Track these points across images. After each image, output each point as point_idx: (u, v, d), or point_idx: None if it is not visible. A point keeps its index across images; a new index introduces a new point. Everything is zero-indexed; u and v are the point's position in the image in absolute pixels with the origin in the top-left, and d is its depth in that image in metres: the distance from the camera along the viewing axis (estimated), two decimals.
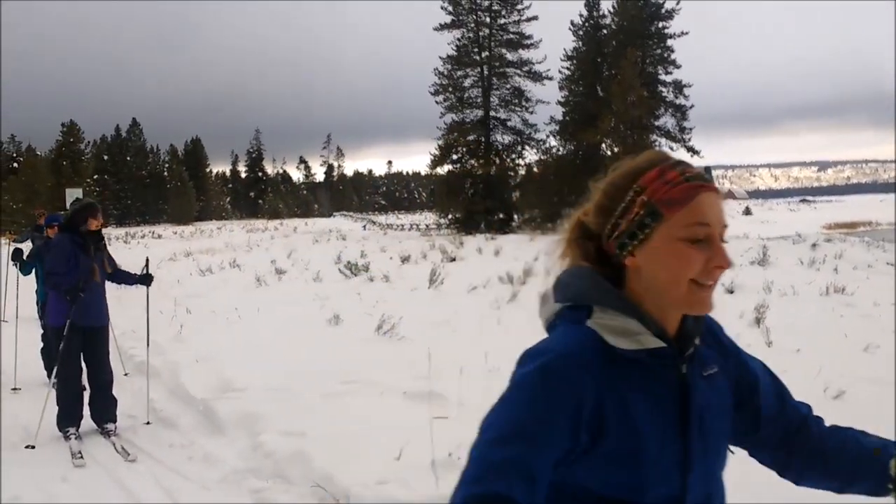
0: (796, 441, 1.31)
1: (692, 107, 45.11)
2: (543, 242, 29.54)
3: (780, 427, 1.31)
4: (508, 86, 47.80)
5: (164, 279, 14.30)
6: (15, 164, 75.86)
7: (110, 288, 5.89)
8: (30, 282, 8.01)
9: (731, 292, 11.75)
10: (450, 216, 48.02)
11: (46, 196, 57.64)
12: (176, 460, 4.97)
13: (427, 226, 54.43)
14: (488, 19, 47.40)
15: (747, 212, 79.18)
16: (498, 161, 47.25)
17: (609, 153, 43.90)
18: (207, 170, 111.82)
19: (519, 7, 47.03)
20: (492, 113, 47.70)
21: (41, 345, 7.04)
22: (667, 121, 45.04)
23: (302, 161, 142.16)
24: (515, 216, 48.01)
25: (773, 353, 6.98)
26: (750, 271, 15.00)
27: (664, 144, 44.17)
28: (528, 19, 47.17)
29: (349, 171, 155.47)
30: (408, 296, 12.67)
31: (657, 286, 1.14)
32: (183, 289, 14.30)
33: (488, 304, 11.15)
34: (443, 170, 48.72)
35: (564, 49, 47.56)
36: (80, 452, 5.11)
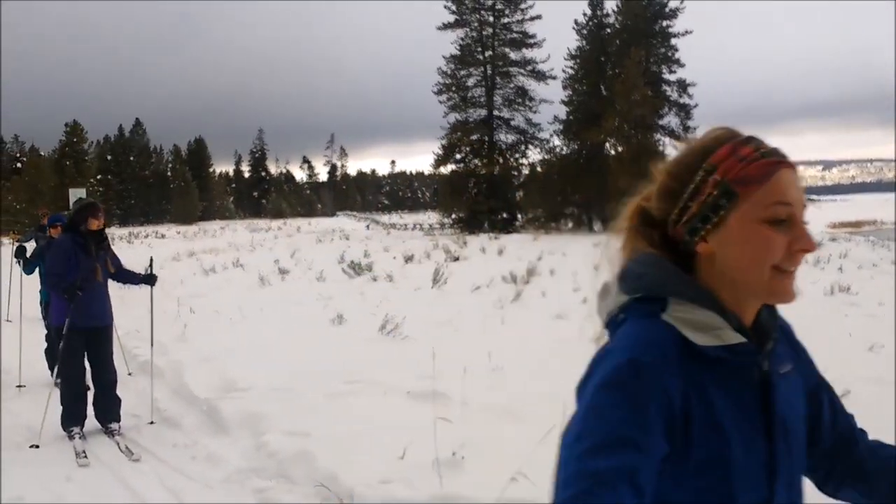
0: (841, 453, 1.23)
1: (696, 106, 45.17)
2: (547, 242, 29.59)
3: (831, 438, 1.23)
4: (512, 85, 47.87)
5: (167, 279, 14.33)
6: (18, 164, 76.02)
7: (114, 288, 5.89)
8: (34, 282, 8.02)
9: None
10: (453, 216, 48.10)
11: (50, 196, 57.73)
12: (180, 460, 4.97)
13: (430, 225, 54.46)
14: (492, 18, 47.45)
15: None
16: (501, 160, 47.31)
17: (613, 152, 43.94)
18: (211, 170, 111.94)
19: (522, 6, 47.10)
20: (495, 112, 47.76)
21: (45, 345, 7.06)
22: (671, 120, 45.11)
23: (305, 161, 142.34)
24: (519, 216, 48.08)
25: None
26: None
27: (668, 144, 44.16)
28: (532, 18, 47.24)
29: (352, 171, 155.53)
30: (411, 295, 12.67)
31: (734, 274, 1.04)
32: (186, 288, 14.32)
33: (492, 304, 11.14)
34: (446, 169, 48.84)
35: (568, 48, 47.62)
36: (84, 452, 5.11)
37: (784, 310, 1.13)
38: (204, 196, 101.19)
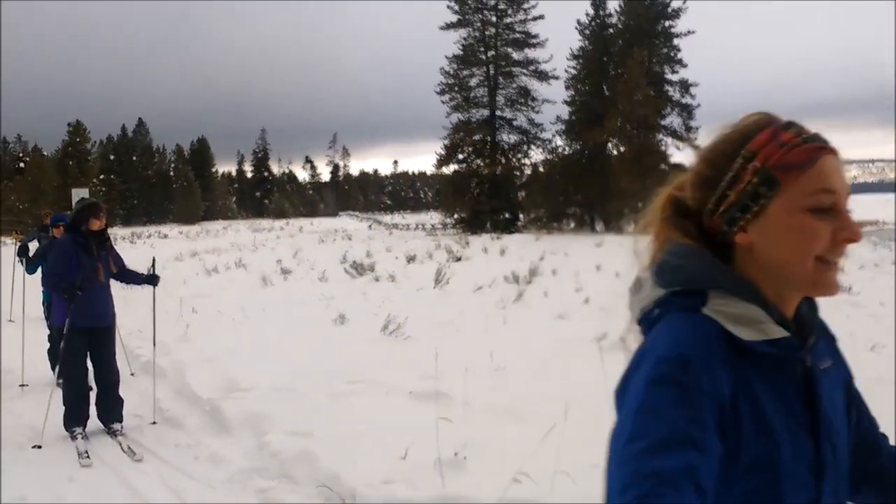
0: (862, 457, 1.17)
1: (699, 106, 45.12)
2: (549, 242, 29.58)
3: (854, 439, 1.16)
4: (514, 85, 47.89)
5: (170, 279, 14.34)
6: (21, 164, 76.28)
7: (116, 288, 5.90)
8: (36, 282, 8.04)
9: None
10: (455, 216, 48.15)
11: (52, 196, 57.89)
12: (182, 460, 4.97)
13: (433, 225, 54.52)
14: (494, 18, 47.46)
15: None
16: (504, 161, 47.32)
17: (615, 153, 43.95)
18: (213, 170, 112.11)
19: (525, 6, 47.12)
20: (498, 112, 47.78)
21: (48, 345, 7.07)
22: (673, 120, 45.09)
23: (308, 161, 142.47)
24: (521, 216, 48.08)
25: None
26: None
27: (670, 144, 44.19)
28: (535, 18, 47.26)
29: (355, 171, 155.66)
30: (413, 295, 12.67)
31: (775, 266, 1.00)
32: (189, 289, 14.33)
33: (494, 304, 11.14)
34: (448, 169, 48.89)
35: (571, 48, 47.66)
36: (86, 452, 5.12)
37: None
38: (206, 196, 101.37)
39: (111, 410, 5.64)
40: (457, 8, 47.60)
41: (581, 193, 44.98)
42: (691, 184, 1.06)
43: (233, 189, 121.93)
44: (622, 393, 0.99)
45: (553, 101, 47.42)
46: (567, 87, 47.55)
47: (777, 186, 0.98)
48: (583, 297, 11.72)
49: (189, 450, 5.17)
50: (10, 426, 5.63)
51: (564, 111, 47.45)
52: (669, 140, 44.44)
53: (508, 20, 47.51)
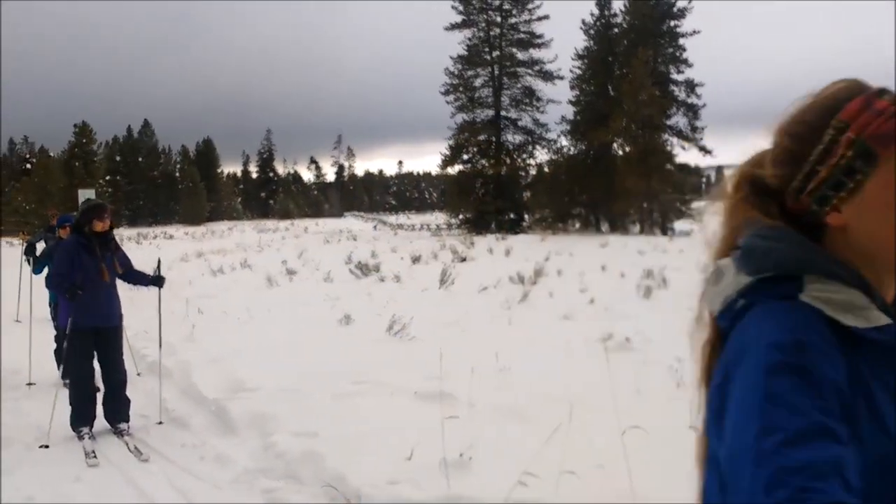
0: None
1: (704, 106, 45.02)
2: (554, 242, 29.56)
3: None
4: (519, 85, 47.86)
5: (175, 280, 14.37)
6: (28, 166, 76.49)
7: (123, 289, 5.92)
8: (43, 282, 8.07)
9: None
10: (460, 216, 48.14)
11: (59, 197, 58.04)
12: (188, 460, 4.99)
13: (438, 226, 54.50)
14: (499, 19, 47.44)
15: None
16: (509, 161, 47.29)
17: (620, 153, 43.91)
18: (219, 170, 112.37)
19: (530, 6, 47.09)
20: (502, 113, 47.74)
21: (54, 345, 7.10)
22: (679, 120, 45.01)
23: (313, 161, 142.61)
24: (526, 216, 48.03)
25: None
26: None
27: (676, 144, 44.12)
28: (539, 18, 47.22)
29: (360, 172, 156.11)
30: (418, 296, 12.68)
31: (873, 248, 0.90)
32: (195, 289, 14.35)
33: (499, 305, 11.14)
34: (453, 170, 48.88)
35: (575, 48, 47.63)
36: (93, 452, 5.14)
37: None
38: (212, 197, 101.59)
39: (118, 411, 5.66)
40: (461, 8, 47.62)
41: (586, 194, 44.94)
42: (773, 159, 0.96)
43: (238, 190, 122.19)
44: (720, 389, 0.89)
45: (558, 102, 47.43)
46: (572, 88, 47.56)
47: (874, 160, 0.88)
48: (588, 297, 11.71)
49: (195, 450, 5.18)
50: (18, 426, 5.66)
51: (569, 111, 47.49)
52: (675, 140, 44.39)
53: (513, 20, 47.50)
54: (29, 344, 7.32)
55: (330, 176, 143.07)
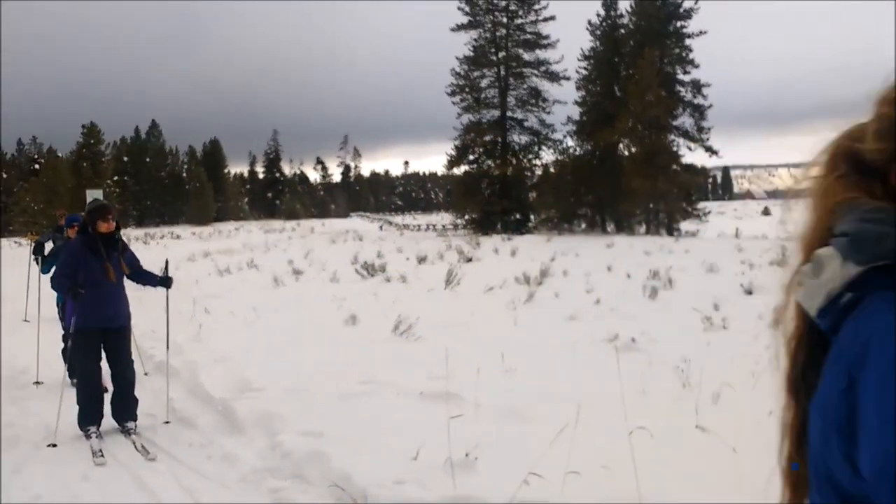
0: None
1: (710, 106, 44.81)
2: (560, 243, 29.53)
3: None
4: (525, 86, 47.78)
5: (182, 280, 14.39)
6: (36, 166, 76.77)
7: (131, 289, 5.94)
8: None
9: (750, 293, 11.67)
10: (466, 216, 48.12)
11: (67, 197, 58.27)
12: (195, 459, 5.01)
13: (444, 226, 54.49)
14: (505, 19, 47.38)
15: (766, 212, 78.50)
16: (515, 161, 47.22)
17: (626, 153, 43.81)
18: (226, 170, 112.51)
19: (536, 7, 47.01)
20: (508, 113, 47.68)
21: (62, 345, 7.14)
22: (685, 120, 44.79)
23: (319, 162, 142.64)
24: (532, 216, 47.97)
25: None
26: (769, 272, 14.87)
27: (682, 144, 43.99)
28: (546, 19, 47.12)
29: (366, 172, 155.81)
30: (424, 296, 12.69)
31: None
32: (202, 289, 14.39)
33: (505, 305, 11.14)
34: (459, 170, 48.84)
35: (582, 49, 47.50)
36: (100, 451, 5.16)
37: None
38: (219, 197, 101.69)
39: (126, 410, 5.68)
40: (467, 9, 47.57)
41: (592, 194, 44.85)
42: (876, 132, 0.82)
43: (245, 190, 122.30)
44: (845, 396, 0.76)
45: (564, 102, 47.29)
46: (578, 88, 47.41)
47: None
48: (594, 297, 11.70)
49: (202, 449, 5.20)
50: (26, 425, 5.69)
51: (575, 112, 47.33)
52: (681, 141, 44.22)
53: (519, 21, 47.42)
54: (37, 343, 7.35)
55: (336, 176, 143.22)
